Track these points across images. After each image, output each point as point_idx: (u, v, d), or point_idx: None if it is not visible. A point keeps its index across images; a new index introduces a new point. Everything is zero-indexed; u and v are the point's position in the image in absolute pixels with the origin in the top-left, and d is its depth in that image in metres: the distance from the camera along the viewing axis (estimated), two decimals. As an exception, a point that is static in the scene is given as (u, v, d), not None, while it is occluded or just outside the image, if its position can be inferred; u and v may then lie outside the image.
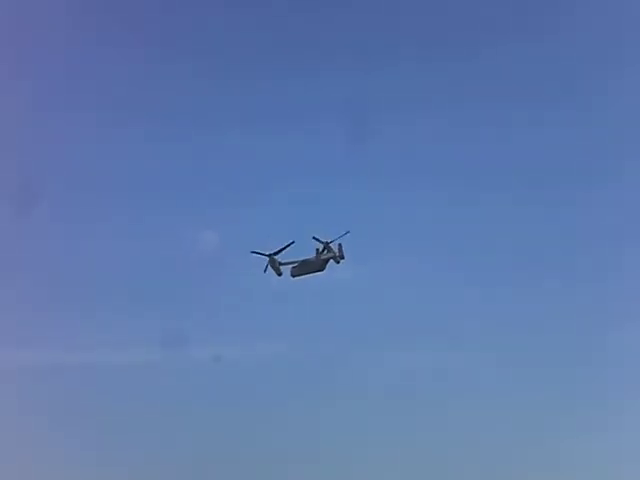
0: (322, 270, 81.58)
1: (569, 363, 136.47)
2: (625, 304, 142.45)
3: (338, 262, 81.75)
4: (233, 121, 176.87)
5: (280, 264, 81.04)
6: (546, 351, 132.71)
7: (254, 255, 79.90)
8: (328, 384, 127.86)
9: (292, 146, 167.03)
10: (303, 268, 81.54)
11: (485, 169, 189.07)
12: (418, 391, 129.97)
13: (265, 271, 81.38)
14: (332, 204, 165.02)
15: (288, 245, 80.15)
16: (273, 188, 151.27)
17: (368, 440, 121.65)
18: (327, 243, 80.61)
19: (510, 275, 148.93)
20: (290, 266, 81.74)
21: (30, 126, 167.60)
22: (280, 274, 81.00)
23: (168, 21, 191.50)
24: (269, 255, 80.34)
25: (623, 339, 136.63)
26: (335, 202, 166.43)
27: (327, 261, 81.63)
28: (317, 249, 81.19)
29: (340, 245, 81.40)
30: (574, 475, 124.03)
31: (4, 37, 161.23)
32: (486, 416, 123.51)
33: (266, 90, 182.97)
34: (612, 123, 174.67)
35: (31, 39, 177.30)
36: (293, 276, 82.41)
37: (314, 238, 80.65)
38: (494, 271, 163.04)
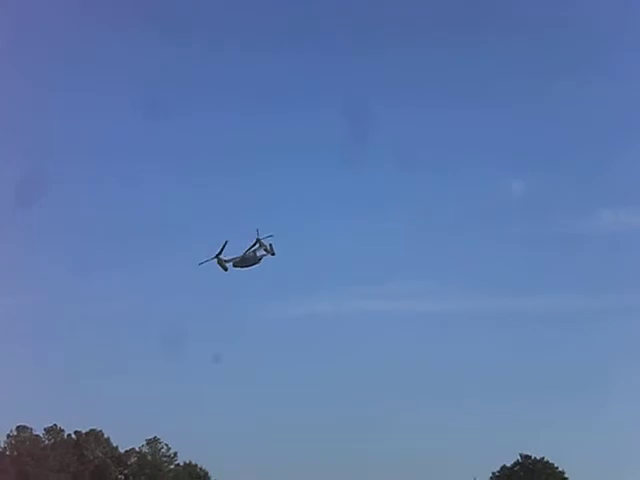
0: (258, 263, 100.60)
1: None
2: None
3: (273, 254, 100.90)
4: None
5: (225, 261, 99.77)
6: None
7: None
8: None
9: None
10: (243, 262, 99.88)
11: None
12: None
13: (200, 264, 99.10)
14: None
15: (224, 245, 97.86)
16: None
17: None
18: (258, 239, 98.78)
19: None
20: (232, 262, 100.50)
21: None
22: (226, 269, 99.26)
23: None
24: (216, 256, 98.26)
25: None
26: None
27: (262, 257, 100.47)
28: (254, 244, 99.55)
29: (271, 245, 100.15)
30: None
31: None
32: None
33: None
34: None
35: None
36: (234, 266, 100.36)
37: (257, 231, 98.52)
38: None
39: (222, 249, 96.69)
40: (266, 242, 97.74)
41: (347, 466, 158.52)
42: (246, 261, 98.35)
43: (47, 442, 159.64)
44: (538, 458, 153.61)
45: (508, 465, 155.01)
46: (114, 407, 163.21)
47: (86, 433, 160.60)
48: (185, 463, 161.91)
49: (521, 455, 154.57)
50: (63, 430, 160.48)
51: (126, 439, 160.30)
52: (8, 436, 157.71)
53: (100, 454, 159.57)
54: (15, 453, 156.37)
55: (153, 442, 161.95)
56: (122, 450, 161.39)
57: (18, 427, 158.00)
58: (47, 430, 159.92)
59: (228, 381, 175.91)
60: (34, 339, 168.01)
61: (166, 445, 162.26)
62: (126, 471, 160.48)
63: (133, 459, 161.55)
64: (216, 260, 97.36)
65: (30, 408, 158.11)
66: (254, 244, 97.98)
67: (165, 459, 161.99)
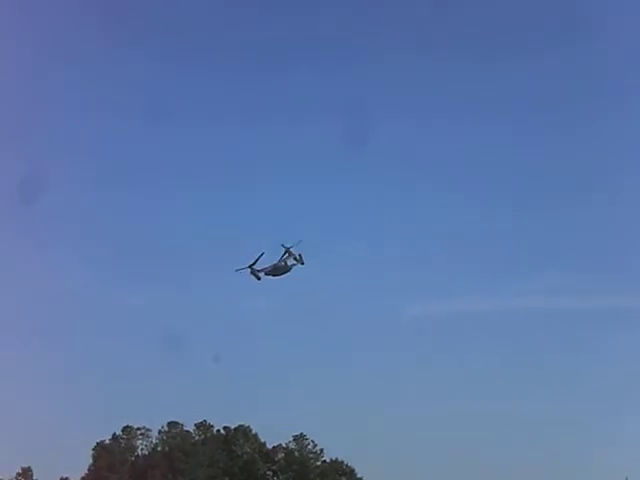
0: (289, 272, 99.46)
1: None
2: None
3: (302, 264, 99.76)
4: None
5: (258, 271, 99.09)
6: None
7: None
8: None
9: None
10: (275, 271, 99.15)
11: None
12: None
13: (236, 271, 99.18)
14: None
15: (260, 256, 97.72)
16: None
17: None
18: (288, 249, 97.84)
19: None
20: (264, 271, 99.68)
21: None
22: (259, 278, 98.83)
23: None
24: (250, 267, 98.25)
25: None
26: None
27: (293, 266, 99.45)
28: (284, 254, 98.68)
29: (301, 254, 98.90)
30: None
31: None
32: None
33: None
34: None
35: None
36: (266, 275, 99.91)
37: (282, 245, 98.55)
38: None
39: (257, 260, 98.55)
40: (295, 252, 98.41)
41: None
42: (278, 270, 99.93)
43: (197, 438, 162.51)
44: None
45: None
46: (261, 403, 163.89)
47: (235, 429, 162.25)
48: (331, 460, 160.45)
49: None
50: (212, 426, 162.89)
51: (273, 435, 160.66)
52: (159, 432, 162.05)
53: (248, 450, 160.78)
54: (166, 448, 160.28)
55: (300, 438, 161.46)
56: (270, 446, 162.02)
57: (169, 423, 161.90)
58: (197, 425, 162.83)
59: (372, 382, 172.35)
60: (178, 340, 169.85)
61: (312, 442, 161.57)
62: (274, 467, 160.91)
63: (280, 455, 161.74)
64: (249, 270, 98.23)
65: (181, 404, 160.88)
66: (284, 253, 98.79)
67: (312, 455, 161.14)
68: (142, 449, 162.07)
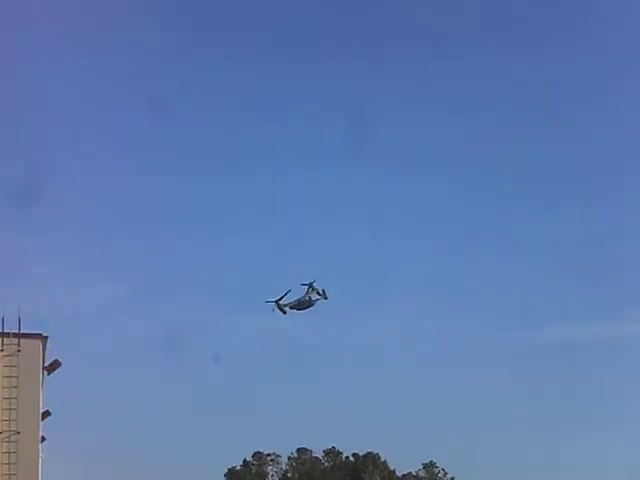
0: (312, 306, 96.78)
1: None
2: None
3: (326, 298, 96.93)
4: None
5: (284, 305, 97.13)
6: None
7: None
8: None
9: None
10: (299, 305, 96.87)
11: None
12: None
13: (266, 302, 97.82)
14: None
15: (286, 293, 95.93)
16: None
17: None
18: (310, 284, 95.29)
19: None
20: (289, 305, 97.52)
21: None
22: (285, 312, 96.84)
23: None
24: (276, 302, 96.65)
25: None
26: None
27: (316, 300, 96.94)
28: (308, 289, 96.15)
29: (324, 290, 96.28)
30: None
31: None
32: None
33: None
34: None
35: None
36: (291, 309, 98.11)
37: (302, 284, 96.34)
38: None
39: (283, 296, 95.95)
40: (319, 287, 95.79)
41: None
42: (302, 304, 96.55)
43: (326, 464, 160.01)
44: None
45: None
46: (391, 429, 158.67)
47: (363, 456, 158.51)
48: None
49: None
50: (341, 452, 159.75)
51: (402, 462, 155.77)
52: (289, 458, 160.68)
53: (378, 477, 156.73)
54: (296, 475, 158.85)
55: (429, 466, 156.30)
56: (399, 474, 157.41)
57: (299, 449, 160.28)
58: (326, 452, 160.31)
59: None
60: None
61: (443, 470, 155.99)
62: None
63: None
64: (276, 305, 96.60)
65: (310, 430, 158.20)
66: (308, 289, 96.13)
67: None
68: (272, 475, 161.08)
